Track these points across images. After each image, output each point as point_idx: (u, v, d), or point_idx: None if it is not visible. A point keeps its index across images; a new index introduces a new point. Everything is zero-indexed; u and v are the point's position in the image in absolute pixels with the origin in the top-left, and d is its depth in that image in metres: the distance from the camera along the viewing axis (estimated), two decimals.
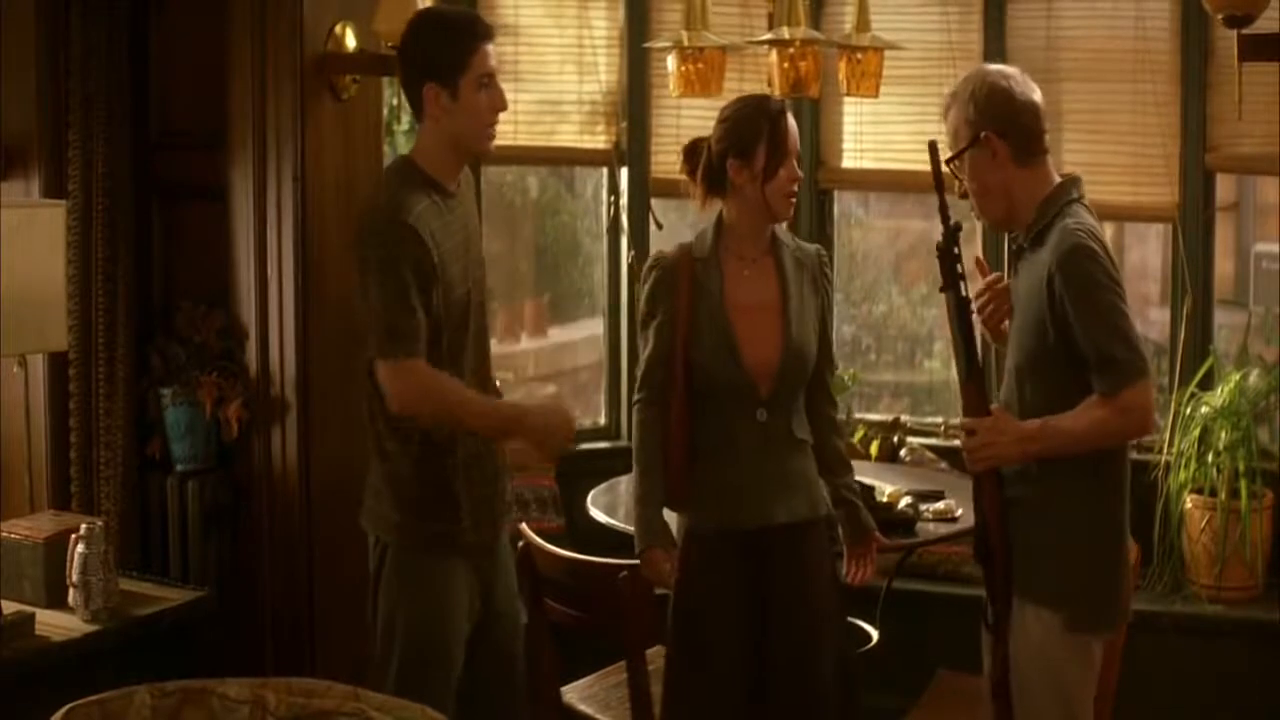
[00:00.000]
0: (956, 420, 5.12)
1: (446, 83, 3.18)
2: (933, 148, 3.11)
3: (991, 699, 3.18)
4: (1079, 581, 3.10)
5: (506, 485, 3.45)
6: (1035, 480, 3.10)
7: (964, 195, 3.19)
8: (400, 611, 3.28)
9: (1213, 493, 4.76)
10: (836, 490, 3.59)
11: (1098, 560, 3.13)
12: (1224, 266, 6.34)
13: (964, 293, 3.11)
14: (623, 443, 5.39)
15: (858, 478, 3.98)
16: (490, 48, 3.23)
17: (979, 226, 5.07)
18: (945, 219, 3.09)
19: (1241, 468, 4.72)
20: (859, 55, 4.33)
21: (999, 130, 3.10)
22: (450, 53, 3.19)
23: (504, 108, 3.26)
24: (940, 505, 4.13)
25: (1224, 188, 5.23)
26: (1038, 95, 3.17)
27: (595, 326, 5.67)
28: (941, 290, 3.12)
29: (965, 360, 3.11)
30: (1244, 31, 3.18)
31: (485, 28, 3.24)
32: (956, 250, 3.09)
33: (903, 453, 5.16)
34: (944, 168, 3.16)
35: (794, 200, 3.50)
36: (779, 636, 3.48)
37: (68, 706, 2.66)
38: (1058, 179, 3.18)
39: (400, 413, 3.19)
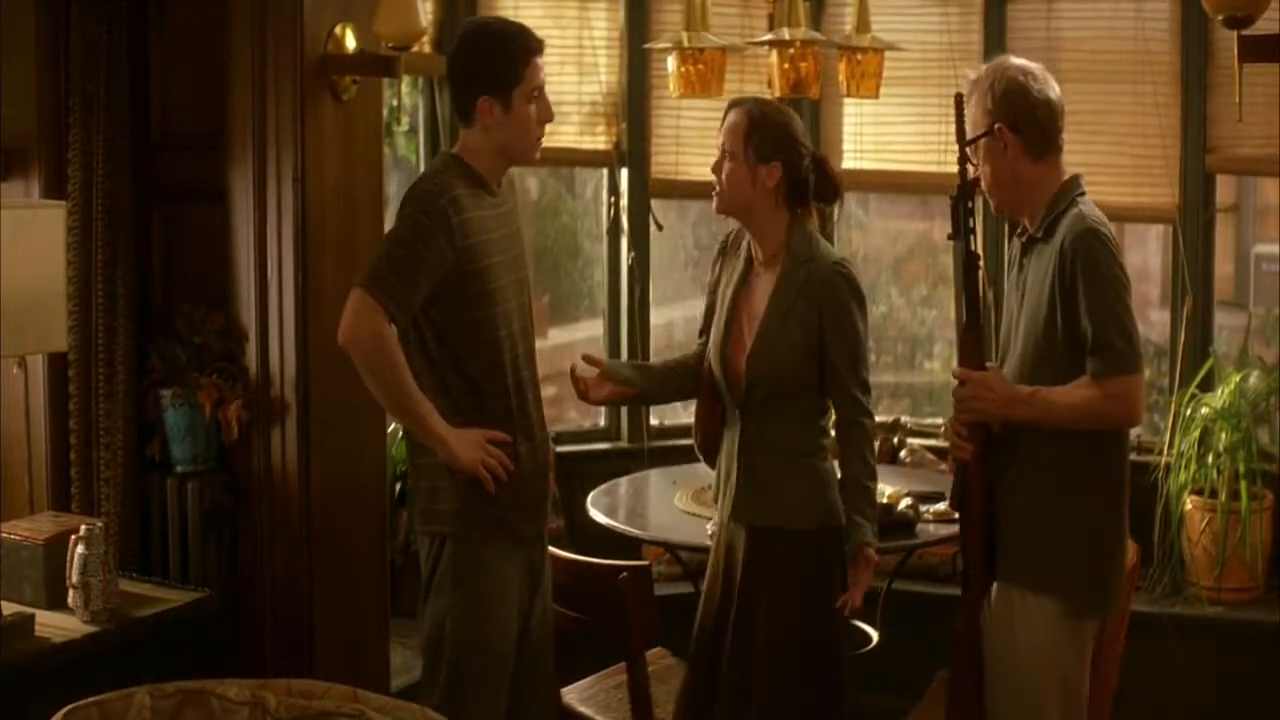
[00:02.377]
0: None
1: (500, 95, 3.29)
2: (958, 100, 3.19)
3: (957, 652, 3.23)
4: (1080, 568, 3.16)
5: (547, 485, 3.53)
6: (1031, 467, 3.16)
7: (975, 181, 3.24)
8: (453, 607, 3.31)
9: (1213, 494, 4.77)
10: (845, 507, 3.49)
11: (1097, 545, 3.19)
12: (1224, 268, 6.34)
13: (973, 246, 3.18)
14: (622, 444, 5.40)
15: None
16: (540, 60, 3.34)
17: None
18: (963, 172, 3.17)
19: (1242, 469, 4.72)
20: (859, 56, 4.33)
21: (1011, 124, 3.18)
22: (505, 66, 3.30)
23: (551, 118, 3.40)
24: (940, 506, 4.13)
25: (1224, 189, 5.23)
26: (1056, 93, 3.23)
27: (595, 327, 5.66)
28: (949, 238, 3.21)
29: (966, 311, 3.18)
30: (1244, 33, 3.17)
31: (537, 42, 3.35)
32: (969, 204, 3.17)
33: (903, 454, 5.16)
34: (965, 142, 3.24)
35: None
36: (737, 639, 3.52)
37: (68, 708, 2.68)
38: (1066, 176, 3.24)
39: (341, 342, 3.26)
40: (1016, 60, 3.29)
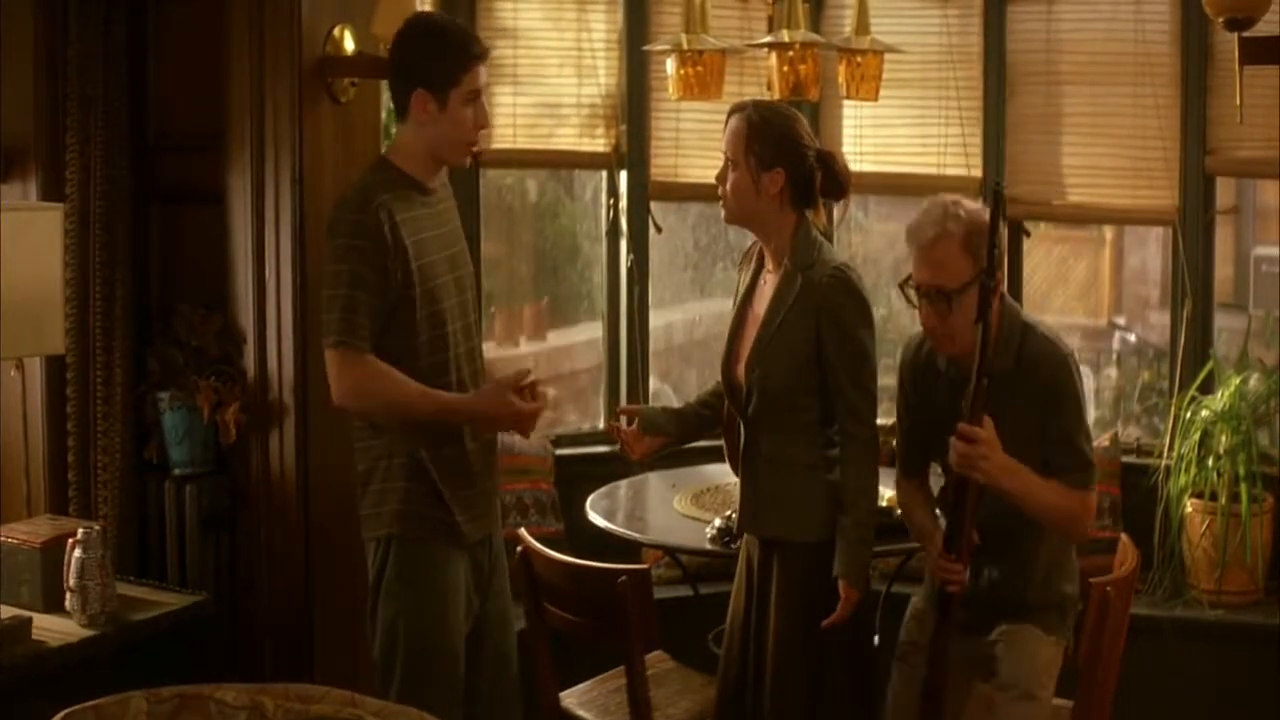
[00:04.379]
0: None
1: (436, 93, 3.27)
2: (998, 194, 3.15)
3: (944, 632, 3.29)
4: (1073, 599, 3.41)
5: (494, 486, 3.51)
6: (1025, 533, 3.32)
7: (936, 334, 3.28)
8: (403, 611, 3.32)
9: (1213, 497, 4.75)
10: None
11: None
12: (1223, 270, 6.34)
13: (989, 317, 3.16)
14: None
15: None
16: (483, 67, 3.32)
17: None
18: (990, 258, 3.13)
19: (1242, 472, 4.71)
20: (859, 58, 4.31)
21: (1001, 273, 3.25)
22: (444, 65, 3.28)
23: (487, 125, 3.38)
24: (938, 510, 4.11)
25: (1223, 191, 5.22)
26: None
27: (594, 330, 5.65)
28: (976, 323, 3.15)
29: (978, 370, 3.13)
30: (1245, 35, 3.17)
31: (482, 48, 3.34)
32: (992, 284, 3.13)
33: None
34: (910, 296, 3.29)
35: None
36: (756, 650, 3.52)
37: (64, 712, 2.66)
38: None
39: (339, 405, 3.29)
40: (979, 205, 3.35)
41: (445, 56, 3.27)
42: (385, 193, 3.25)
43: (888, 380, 5.36)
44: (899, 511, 4.05)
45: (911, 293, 3.28)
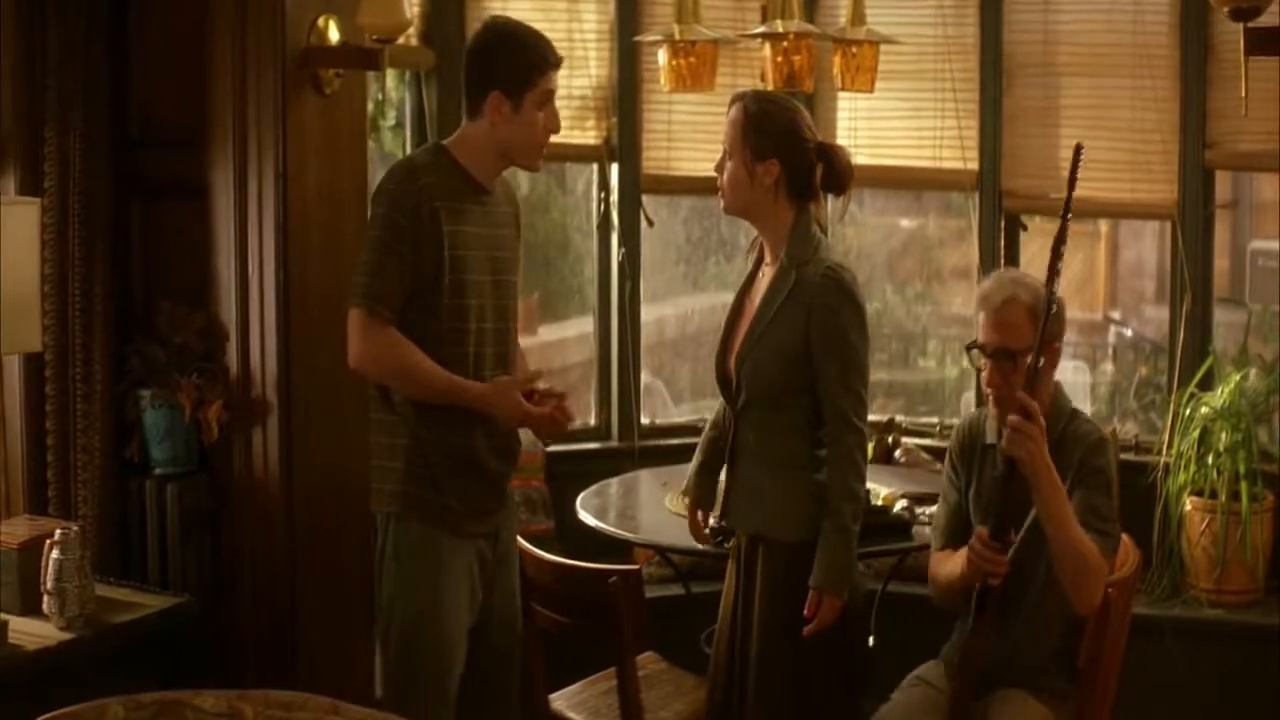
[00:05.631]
0: (953, 420, 5.13)
1: (511, 94, 3.34)
2: (1077, 151, 3.10)
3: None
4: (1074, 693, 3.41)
5: (507, 480, 3.50)
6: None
7: (999, 394, 3.29)
8: (399, 592, 3.35)
9: (1213, 495, 4.71)
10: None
11: None
12: (1219, 264, 6.30)
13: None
14: (613, 443, 5.33)
15: None
16: (555, 74, 3.41)
17: None
18: (1051, 279, 3.10)
19: (1242, 469, 4.67)
20: (854, 49, 4.28)
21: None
22: (522, 68, 3.36)
23: (558, 129, 3.45)
24: (936, 508, 4.06)
25: (1220, 185, 5.18)
26: None
27: (586, 324, 5.61)
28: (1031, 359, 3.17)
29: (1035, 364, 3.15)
30: (1250, 25, 3.10)
31: (558, 56, 3.43)
32: (1053, 308, 3.13)
33: (897, 454, 5.10)
34: (974, 360, 3.36)
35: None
36: (741, 645, 3.47)
37: (40, 719, 2.60)
38: None
39: (353, 366, 3.34)
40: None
41: (524, 59, 3.36)
42: (431, 176, 3.32)
43: (880, 376, 5.30)
44: (895, 510, 4.02)
45: (976, 355, 3.32)
